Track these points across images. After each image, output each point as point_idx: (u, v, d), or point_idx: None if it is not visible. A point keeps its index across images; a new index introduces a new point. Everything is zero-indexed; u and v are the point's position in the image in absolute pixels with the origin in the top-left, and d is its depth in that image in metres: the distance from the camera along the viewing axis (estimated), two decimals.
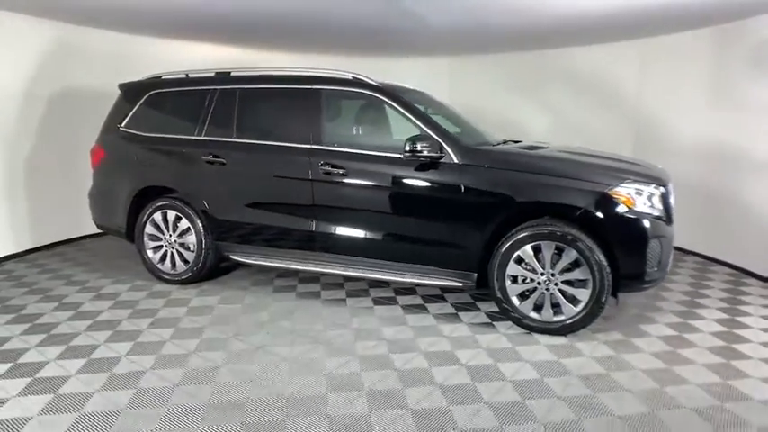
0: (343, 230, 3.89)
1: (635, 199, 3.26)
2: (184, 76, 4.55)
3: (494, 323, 3.68)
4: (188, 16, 5.06)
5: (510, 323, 3.63)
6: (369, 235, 3.82)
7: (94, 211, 4.81)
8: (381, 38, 5.95)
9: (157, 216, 4.40)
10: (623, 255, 3.25)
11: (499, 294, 3.51)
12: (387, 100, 3.83)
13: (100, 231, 5.97)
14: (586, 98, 6.62)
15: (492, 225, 3.47)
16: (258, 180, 4.09)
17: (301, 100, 4.03)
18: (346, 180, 3.78)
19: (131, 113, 4.58)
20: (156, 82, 4.60)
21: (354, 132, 4.28)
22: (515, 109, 7.30)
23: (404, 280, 3.81)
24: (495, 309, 3.89)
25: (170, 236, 4.40)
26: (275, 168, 4.02)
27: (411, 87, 4.46)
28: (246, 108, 4.22)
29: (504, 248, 3.43)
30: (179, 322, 3.66)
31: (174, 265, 4.43)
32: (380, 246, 3.82)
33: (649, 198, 3.30)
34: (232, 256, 4.30)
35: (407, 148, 3.52)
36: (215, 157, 4.16)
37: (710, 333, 3.51)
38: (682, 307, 3.99)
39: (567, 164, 3.53)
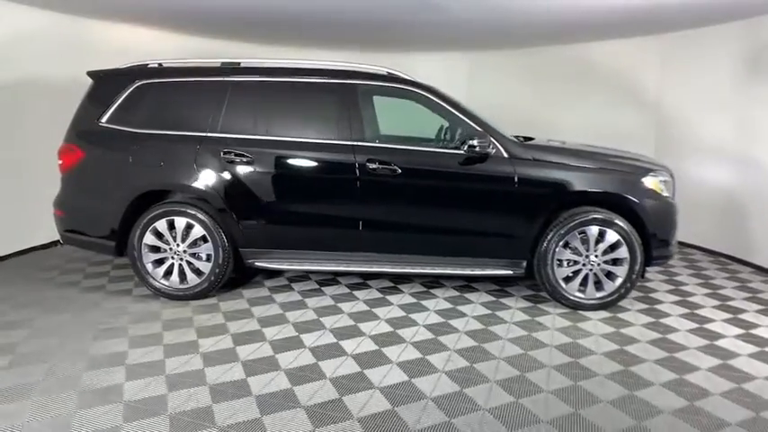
0: (393, 228, 3.85)
1: (660, 186, 3.80)
2: (183, 65, 4.03)
3: (538, 305, 3.97)
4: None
5: (553, 303, 3.96)
6: (421, 231, 3.85)
7: (66, 223, 4.00)
8: (399, 32, 5.79)
9: (161, 224, 3.84)
10: (654, 234, 3.76)
11: (550, 277, 3.80)
12: (429, 96, 3.87)
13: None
14: (606, 94, 6.49)
15: (544, 214, 3.75)
16: (295, 179, 3.83)
17: (337, 95, 3.86)
18: (397, 176, 3.74)
19: (114, 107, 3.91)
20: (145, 71, 3.98)
21: (395, 127, 4.23)
22: (534, 105, 7.14)
23: (455, 272, 3.91)
24: (527, 292, 4.20)
25: (177, 245, 3.87)
26: (314, 166, 3.81)
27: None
28: (273, 102, 3.92)
29: (555, 234, 3.73)
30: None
31: (183, 279, 3.92)
32: (433, 241, 3.87)
33: (667, 185, 3.87)
34: (257, 263, 3.95)
35: (469, 144, 3.63)
36: (238, 155, 3.78)
37: (704, 295, 4.25)
38: (665, 276, 4.72)
39: (606, 157, 3.95)
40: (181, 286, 3.91)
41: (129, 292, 4.11)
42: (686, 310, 3.91)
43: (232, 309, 3.81)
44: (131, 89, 3.92)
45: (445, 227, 3.84)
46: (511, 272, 3.88)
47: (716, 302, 4.09)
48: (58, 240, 5.43)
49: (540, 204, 3.75)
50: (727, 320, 3.73)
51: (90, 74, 4.04)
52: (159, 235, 3.87)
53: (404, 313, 3.77)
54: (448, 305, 3.94)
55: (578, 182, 3.74)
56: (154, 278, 3.90)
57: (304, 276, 4.51)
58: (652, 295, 4.22)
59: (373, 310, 3.83)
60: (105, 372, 2.88)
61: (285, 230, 3.90)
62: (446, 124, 4.46)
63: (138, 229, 3.83)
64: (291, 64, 3.99)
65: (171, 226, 3.85)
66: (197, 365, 2.98)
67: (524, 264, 3.87)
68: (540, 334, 3.47)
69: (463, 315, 3.76)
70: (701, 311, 3.90)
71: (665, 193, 3.83)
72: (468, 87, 7.55)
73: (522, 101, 7.23)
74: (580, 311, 3.84)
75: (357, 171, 3.74)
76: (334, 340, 3.33)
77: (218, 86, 3.90)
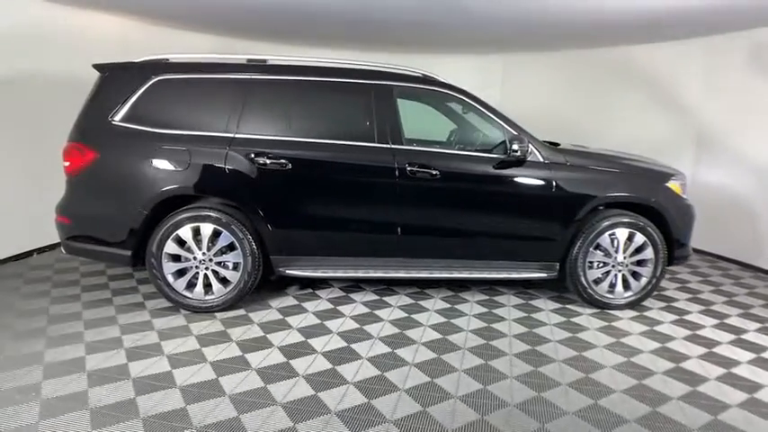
0: (433, 232, 3.80)
1: (681, 189, 4.00)
2: (207, 61, 3.78)
3: (567, 306, 4.05)
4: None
5: (579, 303, 4.06)
6: (460, 235, 3.83)
7: (72, 230, 3.62)
8: (427, 33, 5.71)
9: (184, 231, 3.57)
10: (677, 235, 3.95)
11: (582, 280, 3.89)
12: (466, 99, 3.86)
13: None
14: (645, 100, 6.24)
15: (579, 217, 3.83)
16: (332, 183, 3.69)
17: (373, 97, 3.75)
18: (436, 180, 3.69)
19: (129, 104, 3.59)
20: (164, 65, 3.69)
21: (432, 131, 4.17)
22: (569, 109, 6.97)
23: (490, 276, 3.91)
24: (551, 294, 4.29)
25: (203, 254, 3.61)
26: (353, 170, 3.68)
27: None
28: (305, 102, 3.76)
29: (588, 237, 3.82)
30: None
31: (208, 290, 3.66)
32: (471, 245, 3.86)
33: (684, 188, 4.08)
34: (288, 271, 3.77)
35: (512, 148, 3.64)
36: (271, 157, 3.58)
37: (710, 292, 4.52)
38: (668, 275, 4.97)
39: (635, 162, 4.09)
40: (206, 297, 3.65)
41: (143, 306, 3.79)
42: (702, 307, 4.13)
43: (266, 320, 3.61)
44: (148, 85, 3.61)
45: (484, 230, 3.83)
46: (545, 274, 3.94)
47: (723, 298, 4.36)
48: (32, 251, 5.00)
49: (576, 207, 3.82)
50: (740, 315, 3.99)
51: (97, 67, 3.69)
52: (181, 243, 3.60)
53: (444, 319, 3.73)
54: (483, 309, 3.94)
55: (611, 186, 3.86)
56: (176, 290, 3.61)
57: (325, 283, 4.36)
58: (664, 294, 4.43)
59: (412, 316, 3.75)
60: (161, 395, 2.63)
61: (321, 236, 3.75)
62: (455, 127, 4.50)
63: (158, 238, 3.54)
64: (324, 63, 3.84)
65: (197, 233, 3.59)
66: (256, 383, 2.79)
67: (557, 266, 3.94)
68: (583, 335, 3.54)
69: (502, 319, 3.77)
70: (714, 308, 4.14)
71: (686, 196, 4.03)
72: (501, 90, 7.43)
73: (556, 105, 7.09)
74: (608, 311, 3.97)
75: (397, 175, 3.66)
76: (389, 349, 3.23)
77: (245, 84, 3.68)
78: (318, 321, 3.62)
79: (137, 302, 3.85)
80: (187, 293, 3.64)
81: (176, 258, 3.61)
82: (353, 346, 3.27)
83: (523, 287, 4.45)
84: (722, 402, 2.74)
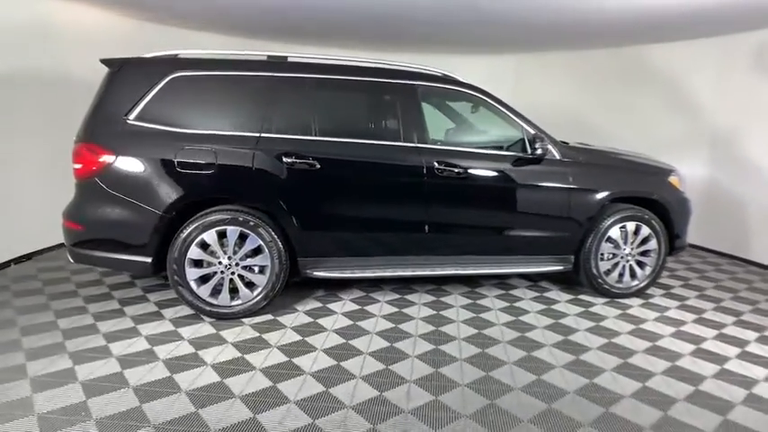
0: (459, 230, 3.85)
1: (681, 184, 4.29)
2: (226, 57, 3.64)
3: (579, 297, 4.24)
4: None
5: (590, 293, 4.27)
6: (486, 231, 3.91)
7: (83, 237, 3.38)
8: (439, 33, 5.71)
9: (208, 235, 3.42)
10: (678, 227, 4.23)
11: (595, 271, 4.09)
12: (486, 99, 3.94)
13: None
14: (658, 100, 6.23)
15: (593, 212, 4.01)
16: (362, 183, 3.66)
17: (397, 96, 3.77)
18: (461, 178, 3.75)
19: (145, 102, 3.39)
20: (181, 61, 3.52)
21: (454, 130, 4.21)
22: (582, 108, 6.98)
23: (513, 271, 4.03)
24: (561, 285, 4.47)
25: (228, 258, 3.47)
26: (382, 169, 3.67)
27: None
28: (330, 101, 3.71)
29: (601, 230, 4.02)
30: None
31: (234, 295, 3.52)
32: (496, 241, 3.95)
33: (682, 183, 4.38)
34: (316, 273, 3.70)
35: (534, 146, 3.77)
36: (300, 157, 3.50)
37: (697, 278, 4.87)
38: None
39: (642, 160, 4.35)
40: (233, 303, 3.52)
41: (160, 315, 3.59)
42: (697, 293, 4.46)
43: (298, 323, 3.53)
44: (165, 81, 3.43)
45: (511, 226, 3.94)
46: (562, 267, 4.10)
47: (712, 284, 4.72)
48: (9, 262, 4.59)
49: (591, 203, 4.00)
50: (733, 299, 4.34)
51: (106, 62, 3.46)
52: (204, 247, 3.44)
53: (473, 314, 3.80)
54: (504, 303, 4.05)
55: (622, 182, 4.07)
56: (200, 297, 3.45)
57: (344, 285, 4.30)
58: (660, 282, 4.72)
59: (441, 313, 3.79)
60: (223, 407, 2.51)
61: (350, 236, 3.72)
62: (452, 126, 4.59)
63: (180, 243, 3.37)
64: (346, 61, 3.79)
65: (222, 237, 3.45)
66: (316, 387, 2.73)
67: (572, 259, 4.11)
68: (605, 323, 3.72)
69: (526, 311, 3.89)
70: (708, 293, 4.47)
71: (682, 190, 4.33)
72: (513, 90, 7.32)
73: (569, 104, 7.10)
74: (618, 300, 4.19)
75: (425, 174, 3.68)
76: (433, 346, 3.26)
77: (269, 82, 3.58)
78: (351, 322, 3.58)
79: (152, 312, 3.64)
80: (212, 300, 3.49)
81: (198, 264, 3.46)
82: (397, 345, 3.26)
83: (533, 280, 4.61)
84: (750, 378, 2.99)
